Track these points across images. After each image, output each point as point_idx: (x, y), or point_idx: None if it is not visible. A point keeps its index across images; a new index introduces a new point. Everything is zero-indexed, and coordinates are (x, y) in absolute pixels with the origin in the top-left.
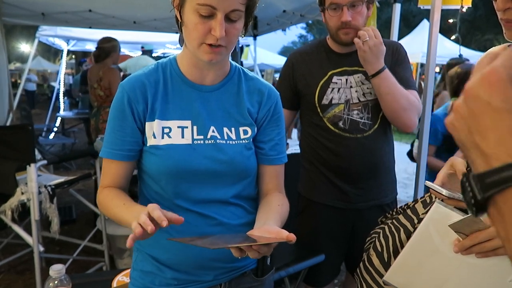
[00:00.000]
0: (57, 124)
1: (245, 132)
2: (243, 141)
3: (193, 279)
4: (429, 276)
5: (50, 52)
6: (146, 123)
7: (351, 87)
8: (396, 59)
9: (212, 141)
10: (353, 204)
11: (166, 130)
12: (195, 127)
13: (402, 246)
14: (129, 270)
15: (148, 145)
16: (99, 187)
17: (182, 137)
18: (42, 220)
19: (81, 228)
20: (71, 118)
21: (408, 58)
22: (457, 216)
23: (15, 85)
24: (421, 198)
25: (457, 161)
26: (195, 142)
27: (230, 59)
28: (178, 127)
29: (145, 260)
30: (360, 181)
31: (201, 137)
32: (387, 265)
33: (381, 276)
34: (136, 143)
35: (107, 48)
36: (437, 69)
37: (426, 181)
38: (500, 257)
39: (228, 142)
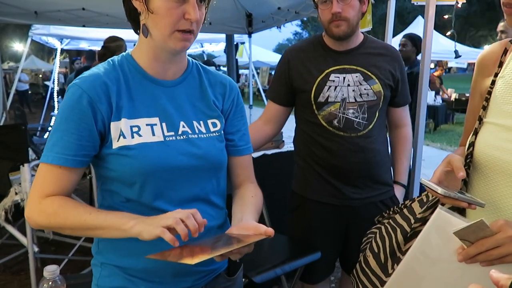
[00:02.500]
0: (52, 123)
1: (214, 125)
2: (214, 134)
3: None
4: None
5: (44, 51)
6: (111, 123)
7: (348, 85)
8: (400, 73)
9: (184, 136)
10: (347, 201)
11: (135, 129)
12: (164, 124)
13: (399, 247)
14: None
15: (115, 147)
16: (33, 196)
17: (153, 134)
18: None
19: None
20: None
21: None
22: (461, 223)
23: (7, 83)
24: (417, 197)
25: (455, 158)
26: (167, 138)
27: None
28: (147, 124)
29: (112, 275)
30: (353, 179)
31: (172, 133)
32: (383, 267)
33: (378, 277)
34: (93, 147)
35: (113, 48)
36: (432, 65)
37: (422, 178)
38: (507, 265)
39: (200, 136)
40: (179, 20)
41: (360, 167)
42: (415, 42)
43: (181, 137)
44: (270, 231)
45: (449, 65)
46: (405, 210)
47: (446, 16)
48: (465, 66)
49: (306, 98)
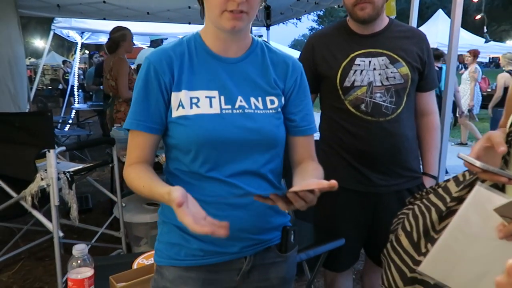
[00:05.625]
0: (72, 116)
1: (272, 102)
2: (271, 111)
3: (219, 250)
4: (470, 266)
5: (63, 47)
6: (172, 93)
7: (374, 69)
8: (428, 55)
9: (240, 110)
10: (374, 188)
11: (194, 100)
12: (222, 97)
13: (434, 227)
14: (148, 253)
15: (174, 116)
16: (125, 164)
17: (210, 106)
18: (60, 208)
19: (98, 217)
20: (85, 111)
21: None
22: (500, 199)
23: (30, 80)
24: (453, 176)
25: (495, 134)
26: (224, 111)
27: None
28: (206, 97)
29: (171, 231)
30: (381, 165)
31: (229, 106)
32: (416, 246)
33: (410, 256)
34: (159, 115)
35: (117, 38)
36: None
37: (460, 153)
38: None
39: (256, 111)
40: (227, 1)
41: (388, 153)
42: None
43: (238, 111)
44: (334, 182)
45: None
46: (440, 190)
47: (478, 17)
48: (487, 60)
49: (332, 83)
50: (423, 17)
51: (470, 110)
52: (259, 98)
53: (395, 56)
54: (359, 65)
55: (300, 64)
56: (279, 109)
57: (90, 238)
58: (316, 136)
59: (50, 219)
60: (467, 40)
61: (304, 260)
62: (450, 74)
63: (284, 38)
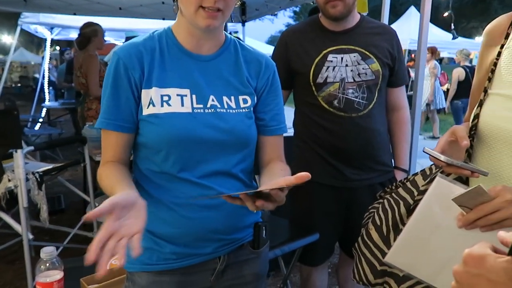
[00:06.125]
0: (43, 115)
1: (245, 101)
2: (244, 110)
3: (192, 252)
4: (433, 255)
5: (33, 43)
6: (143, 90)
7: (346, 65)
8: (398, 51)
9: (212, 110)
10: (347, 182)
11: (165, 98)
12: (194, 96)
13: (402, 220)
14: None
15: (145, 114)
16: (100, 163)
17: (182, 105)
18: (31, 209)
19: (71, 218)
20: (57, 109)
21: None
22: (460, 190)
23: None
24: (421, 170)
25: (459, 128)
26: (195, 110)
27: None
28: (178, 95)
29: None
30: (354, 160)
31: (201, 105)
32: (386, 239)
33: (380, 250)
34: (130, 113)
35: (88, 33)
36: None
37: (425, 148)
38: (507, 229)
39: (228, 111)
40: None
41: (361, 148)
42: None
43: (209, 110)
44: (305, 174)
45: (441, 55)
46: (408, 184)
47: (445, 14)
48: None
49: (305, 80)
50: (397, 14)
51: (428, 104)
52: (232, 97)
53: (367, 53)
54: (331, 61)
55: (273, 63)
56: (252, 108)
57: (63, 240)
58: (291, 132)
59: (19, 221)
60: (438, 36)
61: (280, 256)
62: (420, 69)
63: (261, 34)
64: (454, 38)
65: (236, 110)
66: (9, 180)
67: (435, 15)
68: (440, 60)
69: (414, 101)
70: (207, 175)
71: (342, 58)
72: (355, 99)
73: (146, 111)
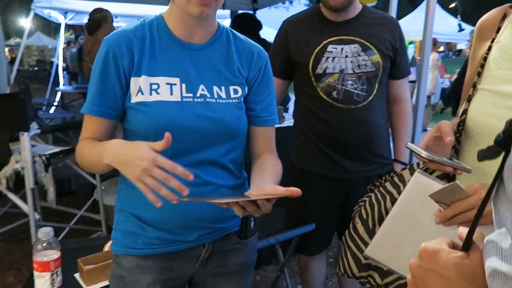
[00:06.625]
0: (57, 98)
1: (236, 91)
2: (234, 100)
3: (176, 238)
4: (411, 250)
5: (50, 28)
6: (132, 78)
7: (346, 56)
8: (400, 43)
9: (202, 99)
10: (345, 174)
11: (154, 87)
12: (183, 85)
13: (387, 214)
14: None
15: (133, 101)
16: (79, 140)
17: (171, 94)
18: (41, 191)
19: (80, 200)
20: (70, 93)
21: None
22: (438, 186)
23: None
24: (409, 165)
25: (444, 124)
26: (184, 99)
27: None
28: (167, 83)
29: (127, 220)
30: (352, 152)
31: (190, 95)
32: (371, 233)
33: (366, 244)
34: (115, 100)
35: (98, 19)
36: (442, 48)
37: (408, 143)
38: (483, 227)
39: (218, 101)
40: None
41: (359, 140)
42: None
43: (199, 100)
44: (295, 190)
45: (458, 47)
46: (395, 178)
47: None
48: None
49: (304, 70)
50: (415, 3)
51: (429, 97)
52: (223, 88)
53: (367, 44)
54: (331, 52)
55: (265, 54)
56: (242, 99)
57: (71, 221)
58: (290, 122)
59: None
60: (455, 27)
61: (279, 246)
62: (424, 60)
63: (275, 22)
64: (460, 30)
65: (226, 100)
66: (16, 162)
67: (455, 7)
68: (459, 53)
69: (418, 93)
70: (195, 163)
71: (342, 49)
72: (354, 90)
73: (134, 99)
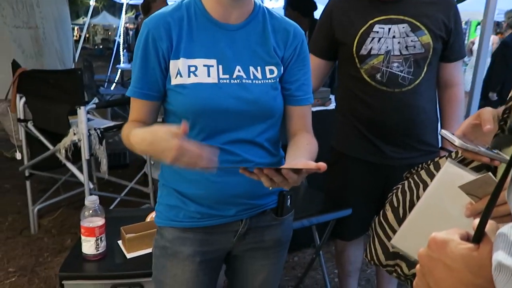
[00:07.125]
0: (117, 76)
1: (271, 72)
2: (269, 81)
3: (215, 213)
4: None
5: (115, 7)
6: (171, 61)
7: (393, 37)
8: (455, 23)
9: (238, 80)
10: (386, 160)
11: (192, 69)
12: (220, 66)
13: None
14: None
15: (172, 83)
16: (128, 121)
17: (208, 76)
18: (97, 162)
19: (133, 173)
20: (129, 70)
21: None
22: (469, 177)
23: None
24: (447, 154)
25: (485, 111)
26: (221, 81)
27: None
28: (204, 65)
29: (170, 194)
30: (394, 137)
31: (227, 76)
32: (401, 221)
33: (394, 231)
34: (156, 83)
35: None
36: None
37: (442, 130)
38: None
39: (254, 81)
40: None
41: (402, 125)
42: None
43: (235, 81)
44: (322, 165)
45: None
46: (431, 166)
47: None
48: None
49: (348, 51)
50: None
51: None
52: (258, 68)
53: (418, 24)
54: (377, 32)
55: (302, 32)
56: (278, 79)
57: (123, 192)
58: (332, 105)
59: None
60: None
61: (315, 229)
62: (484, 42)
63: None
64: None
65: (262, 81)
66: (74, 134)
67: None
68: None
69: (475, 77)
70: (232, 142)
71: (389, 29)
72: (399, 73)
73: (174, 81)
